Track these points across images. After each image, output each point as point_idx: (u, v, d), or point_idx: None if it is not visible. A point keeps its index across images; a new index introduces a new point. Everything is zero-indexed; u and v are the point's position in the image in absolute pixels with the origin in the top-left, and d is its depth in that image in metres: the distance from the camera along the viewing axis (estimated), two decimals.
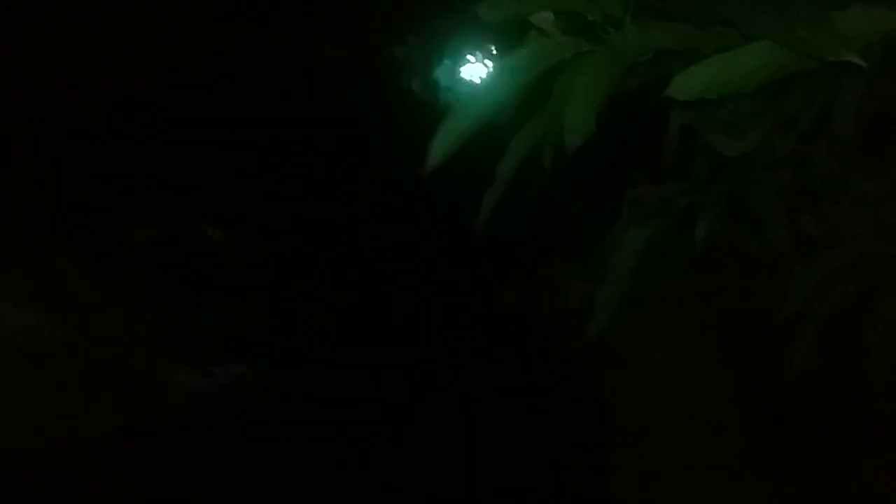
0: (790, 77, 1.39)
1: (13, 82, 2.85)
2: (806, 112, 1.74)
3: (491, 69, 1.35)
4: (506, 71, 1.33)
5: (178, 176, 3.07)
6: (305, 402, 3.00)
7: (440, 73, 2.80)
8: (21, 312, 2.99)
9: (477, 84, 1.37)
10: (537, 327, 2.88)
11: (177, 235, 3.13)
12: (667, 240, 2.03)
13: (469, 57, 2.62)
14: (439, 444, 2.93)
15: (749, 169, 1.85)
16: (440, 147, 1.30)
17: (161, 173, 3.05)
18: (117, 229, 3.10)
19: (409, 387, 2.97)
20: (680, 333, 2.73)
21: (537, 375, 2.93)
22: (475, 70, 2.55)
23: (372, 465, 2.95)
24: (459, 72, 2.65)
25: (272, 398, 3.06)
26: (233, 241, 3.16)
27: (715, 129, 1.81)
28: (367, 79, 3.01)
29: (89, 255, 3.10)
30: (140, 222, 3.12)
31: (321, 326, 3.03)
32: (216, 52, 2.95)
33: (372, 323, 3.00)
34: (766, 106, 1.77)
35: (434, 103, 2.87)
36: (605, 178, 2.02)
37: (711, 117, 1.80)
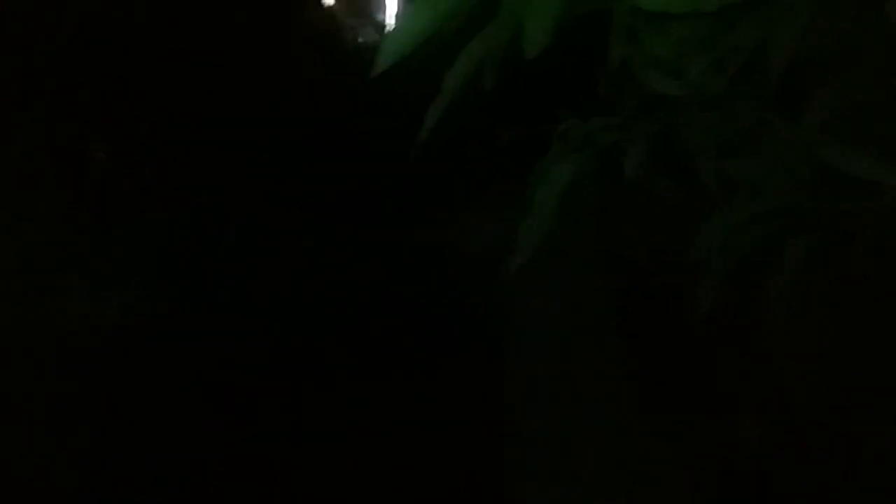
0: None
1: None
2: (740, 52, 1.77)
3: None
4: None
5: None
6: (221, 330, 2.92)
7: None
8: None
9: None
10: (448, 262, 2.87)
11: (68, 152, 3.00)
12: (591, 176, 2.04)
13: None
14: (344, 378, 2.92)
15: (679, 108, 1.88)
16: (391, 48, 1.26)
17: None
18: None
19: (320, 321, 2.93)
20: (583, 278, 2.78)
21: (437, 314, 2.93)
22: None
23: (261, 385, 2.91)
24: None
25: (166, 324, 2.97)
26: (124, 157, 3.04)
27: (651, 65, 1.83)
28: None
29: None
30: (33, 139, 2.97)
31: (241, 252, 2.95)
32: None
33: (283, 254, 2.94)
34: (701, 45, 1.79)
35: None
36: (534, 111, 2.01)
37: (648, 54, 1.82)
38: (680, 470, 2.69)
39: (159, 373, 2.87)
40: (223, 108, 2.90)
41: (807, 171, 1.94)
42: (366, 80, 1.42)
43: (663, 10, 1.20)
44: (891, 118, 1.81)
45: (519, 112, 2.06)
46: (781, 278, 2.14)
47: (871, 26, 1.63)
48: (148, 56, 2.86)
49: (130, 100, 2.93)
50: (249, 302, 2.94)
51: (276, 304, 2.93)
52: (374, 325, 2.93)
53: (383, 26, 2.86)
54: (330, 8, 2.97)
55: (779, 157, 1.94)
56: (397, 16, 2.57)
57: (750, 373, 2.65)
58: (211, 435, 2.82)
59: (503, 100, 1.79)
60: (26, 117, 2.88)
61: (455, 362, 2.91)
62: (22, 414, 2.76)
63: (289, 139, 2.92)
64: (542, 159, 2.04)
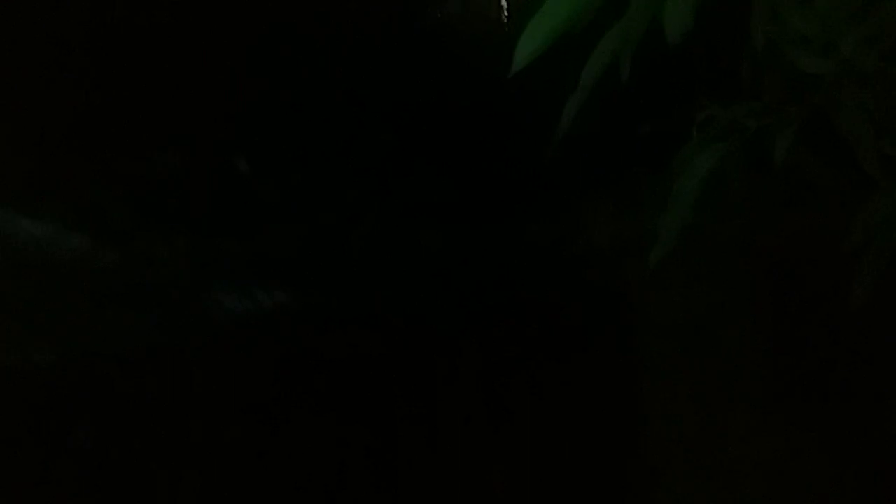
0: None
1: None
2: (891, 25, 1.67)
3: None
4: None
5: (208, 102, 3.03)
6: (346, 330, 2.97)
7: None
8: (65, 238, 2.99)
9: None
10: (589, 257, 2.82)
11: (210, 162, 3.10)
12: (737, 164, 1.96)
13: None
14: (468, 380, 2.91)
15: (830, 89, 1.78)
16: (528, 45, 1.23)
17: (192, 100, 3.01)
18: (150, 156, 3.07)
19: (438, 318, 2.93)
20: (729, 273, 2.67)
21: (572, 308, 2.88)
22: None
23: (406, 391, 2.94)
24: None
25: (314, 324, 3.03)
26: (266, 168, 3.12)
27: (797, 44, 1.74)
28: None
29: (126, 181, 3.08)
30: (173, 149, 3.09)
31: (359, 252, 2.99)
32: None
33: (407, 247, 2.95)
34: (850, 21, 1.69)
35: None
36: (676, 98, 1.95)
37: (793, 33, 1.73)
38: (828, 475, 2.56)
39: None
40: (355, 105, 2.94)
41: None
42: (501, 76, 1.40)
43: None
44: None
45: (659, 102, 1.99)
46: None
47: None
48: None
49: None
50: (382, 300, 2.97)
51: (412, 297, 2.95)
52: (509, 321, 2.91)
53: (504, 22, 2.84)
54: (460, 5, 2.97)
55: None
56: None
57: None
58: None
59: (642, 91, 1.74)
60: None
61: (591, 360, 2.86)
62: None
63: (427, 135, 2.93)
64: (683, 149, 1.97)
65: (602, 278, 2.80)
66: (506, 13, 2.80)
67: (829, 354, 2.62)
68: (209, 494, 2.86)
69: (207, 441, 2.89)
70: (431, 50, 2.91)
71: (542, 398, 2.84)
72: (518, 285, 2.87)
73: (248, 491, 2.86)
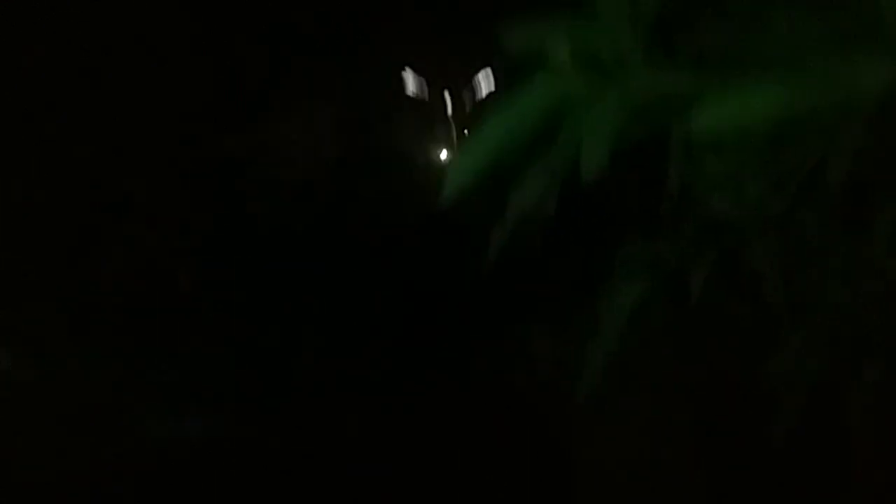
0: (787, 132, 1.44)
1: None
2: (798, 172, 1.79)
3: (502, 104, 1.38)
4: (518, 104, 1.36)
5: (148, 219, 3.07)
6: (281, 455, 2.94)
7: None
8: None
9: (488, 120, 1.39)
10: (512, 388, 2.86)
11: (148, 280, 3.11)
12: (657, 299, 2.05)
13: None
14: None
15: (742, 228, 1.89)
16: (457, 177, 1.31)
17: (130, 216, 3.04)
18: (85, 271, 3.07)
19: (379, 441, 2.93)
20: (657, 400, 2.73)
21: (508, 439, 2.90)
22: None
23: None
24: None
25: (245, 450, 3.00)
26: (206, 288, 3.14)
27: (710, 186, 1.86)
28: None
29: (59, 298, 3.07)
30: (109, 266, 3.09)
31: (299, 375, 3.00)
32: None
33: (349, 370, 2.97)
34: (760, 165, 1.82)
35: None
36: (596, 234, 2.05)
37: (707, 174, 1.85)
38: None
39: None
40: (299, 235, 3.01)
41: (878, 287, 1.92)
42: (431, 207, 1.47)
43: (716, 136, 1.23)
44: None
45: (582, 235, 2.09)
46: (860, 400, 2.09)
47: None
48: None
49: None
50: (319, 429, 2.96)
51: (349, 425, 2.94)
52: (437, 455, 2.91)
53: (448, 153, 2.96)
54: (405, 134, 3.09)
55: (847, 275, 1.93)
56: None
57: (836, 498, 2.54)
58: None
59: (566, 224, 1.83)
60: None
61: (520, 492, 2.86)
62: None
63: (356, 264, 2.99)
64: (608, 282, 2.06)
65: (532, 408, 2.83)
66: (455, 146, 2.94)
67: (753, 487, 2.66)
68: None
69: None
70: (377, 182, 3.01)
71: None
72: (450, 417, 2.89)
73: None
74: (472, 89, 2.85)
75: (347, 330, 2.98)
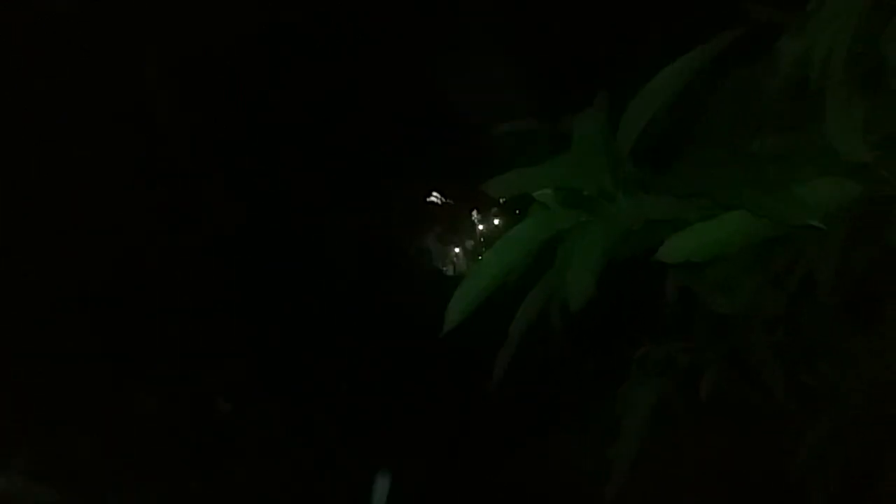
0: (771, 240, 1.54)
1: None
2: (791, 272, 1.88)
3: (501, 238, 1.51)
4: (513, 239, 1.49)
5: (182, 346, 3.17)
6: None
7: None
8: (36, 489, 3.01)
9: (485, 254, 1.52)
10: (547, 493, 2.89)
11: (185, 408, 3.20)
12: (673, 397, 2.12)
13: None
14: None
15: (745, 325, 1.98)
16: (458, 307, 1.42)
17: (168, 341, 3.15)
18: (124, 403, 3.16)
19: None
20: (687, 493, 2.75)
21: None
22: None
23: None
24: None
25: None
26: (245, 413, 3.22)
27: (707, 288, 1.95)
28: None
29: (98, 429, 3.14)
30: (148, 396, 3.18)
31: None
32: None
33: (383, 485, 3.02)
34: (752, 266, 1.91)
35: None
36: (610, 339, 2.14)
37: (703, 278, 1.94)
38: None
39: None
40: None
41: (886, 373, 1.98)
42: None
43: (685, 260, 1.34)
44: None
45: (591, 344, 2.18)
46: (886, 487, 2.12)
47: None
48: None
49: None
50: None
51: None
52: None
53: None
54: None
55: (853, 365, 1.99)
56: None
57: None
58: None
59: (576, 337, 1.92)
60: None
61: None
62: None
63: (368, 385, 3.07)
64: (626, 384, 2.15)
65: None
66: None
67: None
68: None
69: None
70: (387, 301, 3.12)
71: None
72: None
73: None
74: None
75: (366, 445, 3.04)
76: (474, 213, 2.91)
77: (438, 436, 3.03)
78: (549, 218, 1.48)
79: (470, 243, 3.03)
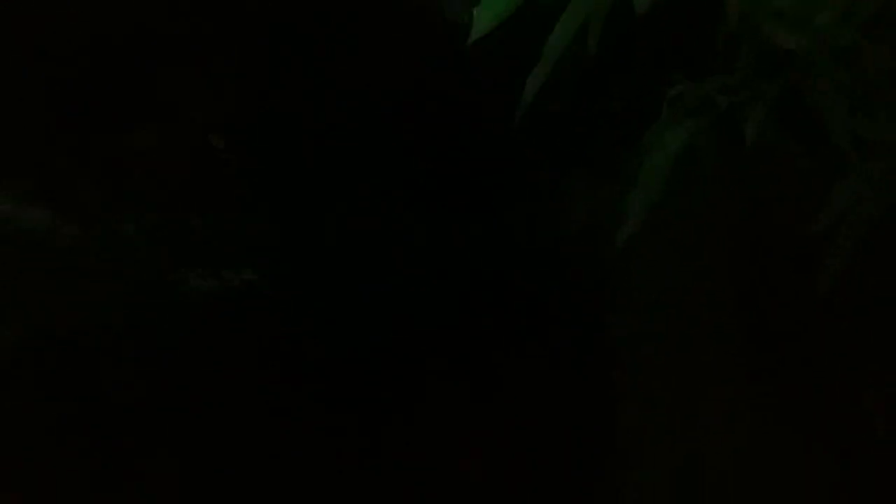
0: None
1: None
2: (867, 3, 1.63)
3: None
4: None
5: (182, 81, 2.98)
6: (315, 315, 2.93)
7: None
8: (26, 212, 2.95)
9: None
10: (550, 238, 2.77)
11: (182, 140, 3.05)
12: (708, 142, 1.92)
13: None
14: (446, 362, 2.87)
15: (805, 64, 1.73)
16: (489, 12, 1.17)
17: (166, 76, 2.95)
18: (122, 132, 3.02)
19: (417, 305, 2.89)
20: (698, 252, 2.63)
21: (545, 291, 2.84)
22: None
23: (378, 378, 2.90)
24: None
25: (282, 306, 2.99)
26: (240, 147, 3.07)
27: (773, 19, 1.69)
28: None
29: (95, 157, 3.03)
30: (145, 125, 3.03)
31: (333, 236, 2.94)
32: None
33: (383, 233, 2.90)
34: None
35: None
36: (643, 74, 1.90)
37: (769, 7, 1.69)
38: (808, 465, 2.53)
39: None
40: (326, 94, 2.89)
41: None
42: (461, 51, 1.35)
43: None
44: None
45: (628, 76, 1.94)
46: None
47: None
48: None
49: None
50: (357, 286, 2.93)
51: (386, 284, 2.90)
52: (486, 306, 2.87)
53: None
54: None
55: None
56: None
57: (883, 354, 2.46)
58: None
59: (610, 65, 1.69)
60: None
61: (558, 349, 2.82)
62: None
63: (386, 119, 2.87)
64: (654, 125, 1.93)
65: (575, 257, 2.75)
66: None
67: (801, 339, 2.58)
68: (185, 479, 2.82)
69: (174, 420, 2.85)
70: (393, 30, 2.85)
71: (516, 385, 2.81)
72: (493, 268, 2.83)
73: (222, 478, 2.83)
74: None
75: (377, 189, 2.90)
76: None
77: (449, 165, 2.85)
78: None
79: None
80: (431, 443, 2.83)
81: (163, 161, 2.96)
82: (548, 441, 2.78)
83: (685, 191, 1.99)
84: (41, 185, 2.93)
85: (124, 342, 2.86)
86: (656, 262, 2.57)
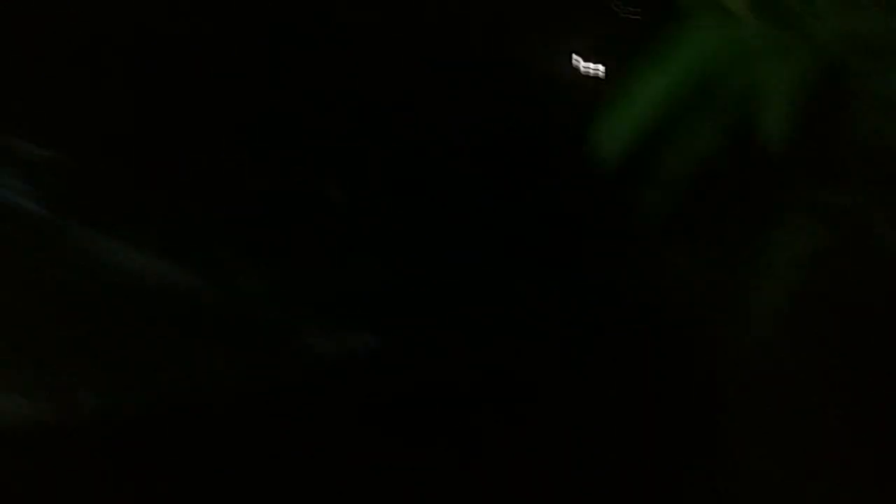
0: None
1: None
2: None
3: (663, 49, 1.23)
4: (685, 52, 1.21)
5: (299, 129, 3.05)
6: (431, 380, 2.93)
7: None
8: (149, 260, 3.03)
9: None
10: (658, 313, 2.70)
11: (303, 194, 3.11)
12: (840, 252, 1.87)
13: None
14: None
15: None
16: (616, 135, 1.18)
17: (282, 125, 3.03)
18: (244, 181, 3.09)
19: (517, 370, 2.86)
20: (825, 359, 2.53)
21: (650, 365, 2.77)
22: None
23: (490, 447, 2.87)
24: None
25: (398, 371, 3.00)
26: (360, 199, 3.11)
27: None
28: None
29: (219, 208, 3.10)
30: (268, 176, 3.10)
31: (452, 301, 2.95)
32: None
33: (508, 297, 2.90)
34: None
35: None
36: (763, 179, 1.87)
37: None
38: None
39: None
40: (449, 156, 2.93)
41: None
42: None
43: None
44: None
45: (751, 180, 1.92)
46: None
47: None
48: None
49: None
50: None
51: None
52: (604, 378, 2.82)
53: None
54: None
55: None
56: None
57: None
58: None
59: (735, 170, 1.68)
60: None
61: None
62: None
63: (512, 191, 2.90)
64: (777, 227, 1.89)
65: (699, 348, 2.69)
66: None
67: None
68: None
69: (295, 478, 2.87)
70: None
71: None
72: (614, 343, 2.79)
73: None
74: None
75: (499, 252, 2.90)
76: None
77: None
78: (734, 28, 1.19)
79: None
80: None
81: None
82: None
83: (819, 287, 1.94)
84: (172, 240, 3.02)
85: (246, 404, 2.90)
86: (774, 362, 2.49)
